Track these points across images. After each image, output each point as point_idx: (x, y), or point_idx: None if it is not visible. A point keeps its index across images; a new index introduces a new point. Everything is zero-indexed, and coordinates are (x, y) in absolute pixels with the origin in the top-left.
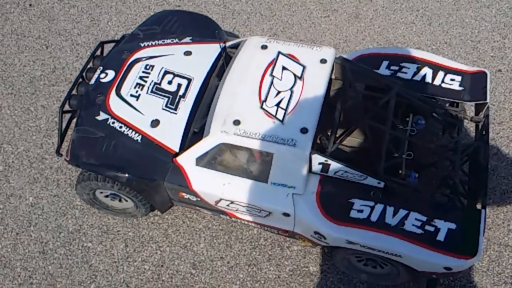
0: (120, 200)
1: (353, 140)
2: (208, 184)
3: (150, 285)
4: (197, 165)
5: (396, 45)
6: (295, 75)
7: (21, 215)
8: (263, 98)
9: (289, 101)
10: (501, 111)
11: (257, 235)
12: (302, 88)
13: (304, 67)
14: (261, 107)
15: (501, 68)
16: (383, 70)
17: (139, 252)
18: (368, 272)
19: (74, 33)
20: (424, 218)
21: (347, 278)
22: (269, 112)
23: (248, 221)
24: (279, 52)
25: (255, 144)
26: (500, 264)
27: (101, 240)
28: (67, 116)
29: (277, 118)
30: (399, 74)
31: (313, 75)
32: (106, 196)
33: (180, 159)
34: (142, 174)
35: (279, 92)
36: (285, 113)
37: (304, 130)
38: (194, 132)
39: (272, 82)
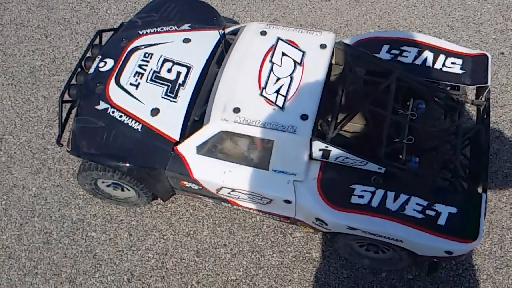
0: (122, 190)
1: (354, 125)
2: (209, 172)
3: (154, 273)
4: (197, 153)
5: (398, 28)
6: (294, 61)
7: (25, 205)
8: (262, 85)
9: (289, 88)
10: (503, 94)
11: (259, 222)
12: (302, 74)
13: (303, 52)
14: (261, 94)
15: (503, 50)
16: (383, 54)
17: (142, 240)
18: (370, 257)
19: (73, 22)
20: (425, 203)
21: (350, 264)
22: (269, 99)
23: (249, 208)
24: (279, 38)
25: (255, 132)
26: (502, 247)
27: (105, 229)
28: (67, 106)
29: (277, 105)
30: (399, 58)
31: (313, 60)
32: (108, 186)
33: (180, 148)
34: (143, 163)
35: (278, 79)
36: (285, 100)
37: (304, 117)
38: (194, 120)
39: (271, 69)
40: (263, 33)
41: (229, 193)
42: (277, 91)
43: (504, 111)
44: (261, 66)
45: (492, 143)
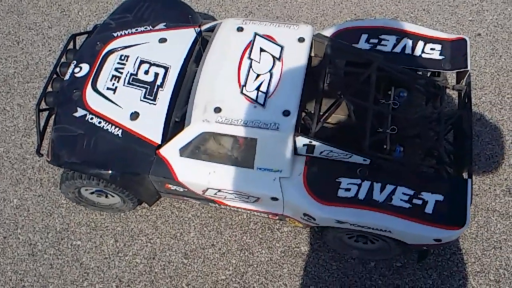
0: (106, 196)
1: (338, 117)
2: (193, 174)
3: (143, 278)
4: (181, 156)
5: (374, 15)
6: (273, 57)
7: (7, 218)
8: (242, 82)
9: (269, 84)
10: (482, 75)
11: (246, 220)
12: (282, 69)
13: (282, 47)
14: (241, 92)
15: (480, 32)
16: (362, 44)
17: (129, 246)
18: (359, 248)
19: (45, 26)
20: (411, 192)
21: (339, 255)
22: (249, 97)
23: (237, 207)
24: (256, 34)
25: (237, 131)
26: (488, 230)
27: (90, 237)
28: (45, 114)
29: (258, 103)
30: (378, 47)
31: (291, 55)
32: (92, 193)
33: (163, 151)
34: (125, 169)
35: (258, 75)
36: (265, 97)
37: (286, 113)
38: (175, 121)
39: (250, 66)
40: (240, 29)
41: (215, 193)
42: (258, 88)
43: (483, 93)
44: (240, 64)
45: (473, 125)
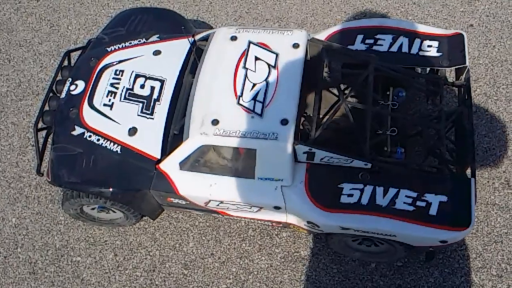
0: (108, 212)
1: (337, 121)
2: (194, 187)
3: None
4: (181, 169)
5: (364, 11)
6: (268, 65)
7: (7, 237)
8: (238, 93)
9: (265, 93)
10: (476, 67)
11: (245, 227)
12: (277, 77)
13: (277, 54)
14: (238, 103)
15: (472, 22)
16: (358, 45)
17: (129, 259)
18: (362, 250)
19: (35, 43)
20: (414, 194)
21: (339, 258)
22: (246, 107)
23: (240, 217)
24: (250, 42)
25: (236, 142)
26: (488, 224)
27: (90, 252)
28: (43, 132)
29: (256, 113)
30: (375, 47)
31: (287, 62)
32: (93, 209)
33: (163, 165)
34: (126, 186)
35: (254, 85)
36: (263, 106)
37: (284, 122)
38: (174, 134)
39: (246, 75)
40: (234, 38)
41: (217, 205)
42: (254, 98)
43: (478, 85)
44: (235, 74)
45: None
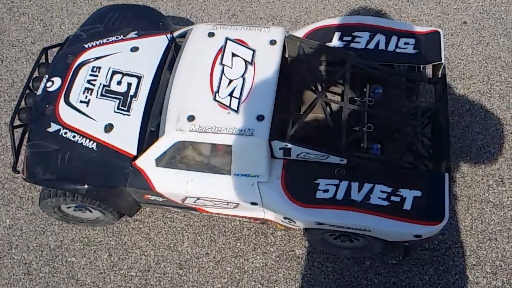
0: (89, 211)
1: (314, 118)
2: (171, 183)
3: None
4: (157, 166)
5: (357, 9)
6: (245, 61)
7: (1, 238)
8: (215, 89)
9: (242, 89)
10: (470, 64)
11: (239, 226)
12: (254, 73)
13: (253, 51)
14: (214, 99)
15: (466, 20)
16: (336, 42)
17: (123, 259)
18: (349, 247)
19: (28, 42)
20: (389, 190)
21: (334, 257)
22: (223, 104)
23: (218, 214)
24: (227, 38)
25: (212, 138)
26: (483, 221)
27: (84, 253)
28: (20, 130)
29: (232, 109)
30: (352, 45)
31: (264, 58)
32: (73, 209)
33: (139, 162)
34: (102, 183)
35: (231, 81)
36: (239, 102)
37: (260, 118)
38: (151, 131)
39: (223, 71)
40: (211, 34)
41: (194, 201)
42: (231, 94)
43: (472, 82)
44: (212, 70)
45: (463, 116)
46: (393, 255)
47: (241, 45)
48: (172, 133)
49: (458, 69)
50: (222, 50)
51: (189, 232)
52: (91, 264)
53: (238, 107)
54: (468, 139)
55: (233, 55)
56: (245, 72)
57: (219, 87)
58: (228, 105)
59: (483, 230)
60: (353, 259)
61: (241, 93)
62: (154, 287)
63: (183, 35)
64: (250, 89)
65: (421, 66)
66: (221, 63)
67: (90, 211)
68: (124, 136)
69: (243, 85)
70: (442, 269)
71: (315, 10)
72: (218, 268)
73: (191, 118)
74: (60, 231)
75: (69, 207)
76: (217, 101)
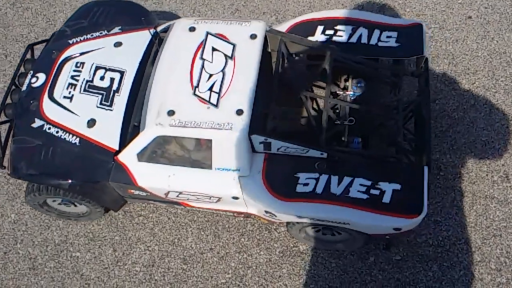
0: (69, 205)
1: (296, 112)
2: (153, 178)
3: (143, 286)
4: (139, 161)
5: (361, 3)
6: (225, 55)
7: (6, 233)
8: (195, 84)
9: (221, 84)
10: (474, 60)
11: (243, 222)
12: (234, 67)
13: (234, 45)
14: (194, 94)
15: (471, 14)
16: (318, 36)
17: (128, 255)
18: (341, 240)
19: (32, 38)
20: (368, 183)
21: (337, 253)
22: (202, 98)
23: (202, 208)
24: (208, 33)
25: (192, 133)
26: (487, 218)
27: (89, 248)
28: (6, 126)
29: (211, 103)
30: (334, 38)
31: (244, 52)
32: (59, 204)
33: (121, 157)
34: (85, 178)
35: (211, 75)
36: (218, 97)
37: (239, 112)
38: (134, 125)
39: (203, 66)
40: (192, 29)
41: (177, 195)
42: (210, 89)
43: (477, 78)
44: (192, 64)
45: (468, 111)
46: (397, 251)
47: (222, 39)
48: (152, 128)
49: (462, 64)
50: (202, 44)
51: (193, 227)
52: (95, 259)
53: (217, 102)
54: (473, 135)
55: (214, 49)
56: (225, 66)
57: (199, 81)
58: (207, 99)
59: (488, 227)
60: (357, 255)
61: (220, 88)
62: (159, 282)
63: (166, 30)
64: (230, 84)
65: (404, 60)
66: (201, 58)
67: (75, 205)
68: (106, 131)
69: (223, 79)
70: (447, 265)
71: (318, 4)
72: (222, 263)
73: (171, 113)
74: (64, 226)
75: (54, 201)
76: (196, 95)
